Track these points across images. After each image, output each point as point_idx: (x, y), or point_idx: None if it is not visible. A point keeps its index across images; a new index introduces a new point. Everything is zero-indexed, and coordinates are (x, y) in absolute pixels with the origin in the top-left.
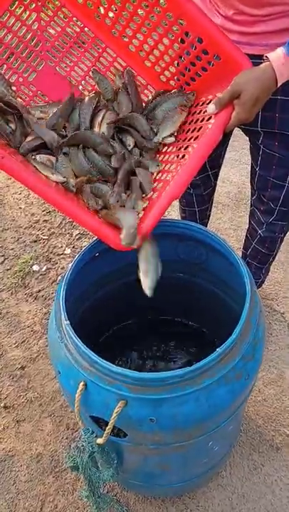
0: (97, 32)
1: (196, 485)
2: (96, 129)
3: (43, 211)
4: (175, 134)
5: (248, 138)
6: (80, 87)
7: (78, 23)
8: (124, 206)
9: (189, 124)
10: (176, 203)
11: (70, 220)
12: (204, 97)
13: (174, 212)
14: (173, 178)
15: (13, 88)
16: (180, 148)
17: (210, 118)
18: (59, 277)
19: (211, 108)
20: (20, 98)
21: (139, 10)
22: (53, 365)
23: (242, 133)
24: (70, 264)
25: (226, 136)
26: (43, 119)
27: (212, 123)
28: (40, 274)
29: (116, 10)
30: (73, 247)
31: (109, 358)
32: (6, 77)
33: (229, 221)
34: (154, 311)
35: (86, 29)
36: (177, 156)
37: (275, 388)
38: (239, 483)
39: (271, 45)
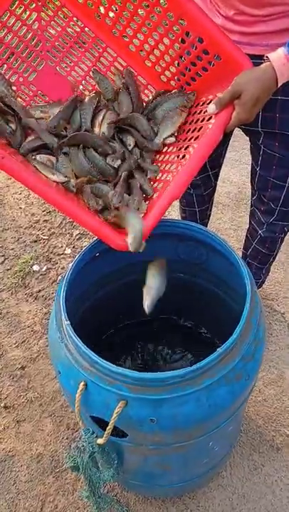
0: (98, 32)
1: (197, 485)
2: (96, 129)
3: (43, 211)
4: (175, 134)
5: (248, 138)
6: (81, 87)
7: (79, 22)
8: (127, 206)
9: (190, 124)
10: (176, 203)
11: (71, 220)
12: (205, 97)
13: (174, 213)
14: (173, 178)
15: (14, 88)
16: (180, 148)
17: (210, 118)
18: (59, 277)
19: (212, 108)
20: (21, 98)
21: (139, 10)
22: (54, 365)
23: (242, 133)
24: (71, 264)
25: (227, 136)
26: (43, 118)
27: (212, 123)
28: (41, 274)
29: (116, 10)
30: (73, 247)
31: (109, 358)
32: (7, 77)
33: (229, 221)
34: (154, 311)
35: (86, 29)
36: (177, 156)
37: (275, 388)
38: (239, 484)
39: (272, 46)
